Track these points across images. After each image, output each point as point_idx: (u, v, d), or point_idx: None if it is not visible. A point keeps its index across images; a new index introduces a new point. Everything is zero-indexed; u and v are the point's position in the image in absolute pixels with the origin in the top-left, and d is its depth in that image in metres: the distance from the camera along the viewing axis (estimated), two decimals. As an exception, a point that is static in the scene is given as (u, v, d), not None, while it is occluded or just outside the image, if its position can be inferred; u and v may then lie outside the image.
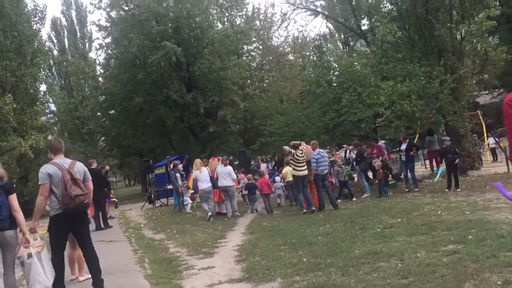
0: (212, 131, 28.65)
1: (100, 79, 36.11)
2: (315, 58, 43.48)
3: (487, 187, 11.47)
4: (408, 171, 13.64)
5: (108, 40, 32.00)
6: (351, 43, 56.93)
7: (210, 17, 29.21)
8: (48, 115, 36.65)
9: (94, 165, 13.77)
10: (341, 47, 51.57)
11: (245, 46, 34.02)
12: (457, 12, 16.00)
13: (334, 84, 16.09)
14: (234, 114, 31.40)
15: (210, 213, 13.17)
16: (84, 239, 5.87)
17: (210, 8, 29.75)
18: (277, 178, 15.52)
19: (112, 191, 19.46)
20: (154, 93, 29.41)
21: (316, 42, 45.81)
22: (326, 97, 15.52)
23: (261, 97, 30.47)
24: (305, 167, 11.88)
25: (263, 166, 20.07)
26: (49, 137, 23.96)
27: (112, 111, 34.95)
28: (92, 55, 48.58)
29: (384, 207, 10.86)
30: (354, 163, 14.68)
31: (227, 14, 32.96)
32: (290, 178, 14.30)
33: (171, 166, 17.65)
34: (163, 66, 29.76)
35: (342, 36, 55.79)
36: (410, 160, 13.57)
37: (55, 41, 52.55)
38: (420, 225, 7.75)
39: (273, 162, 20.64)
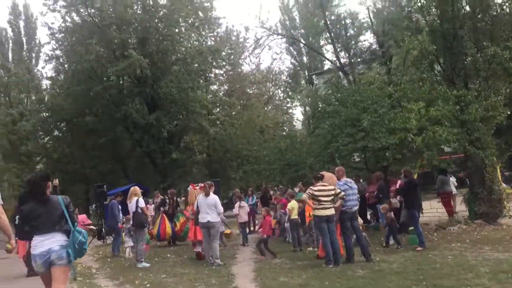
0: (175, 159, 25.02)
1: (45, 93, 31.80)
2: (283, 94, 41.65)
3: None
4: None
5: (59, 52, 28.10)
6: (315, 82, 55.95)
7: (182, 31, 26.00)
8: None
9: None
10: (304, 85, 50.30)
11: (214, 70, 31.07)
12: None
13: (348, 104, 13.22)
14: (200, 141, 28.02)
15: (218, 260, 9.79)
16: None
17: (181, 22, 26.60)
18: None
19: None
20: (111, 110, 25.56)
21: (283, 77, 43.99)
22: (339, 118, 12.61)
23: (232, 124, 27.27)
24: (331, 204, 8.78)
25: (236, 206, 16.27)
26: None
27: (56, 133, 30.59)
28: (39, 68, 43.63)
29: (432, 261, 7.99)
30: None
31: (197, 33, 30.00)
32: (296, 216, 11.26)
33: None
34: (125, 80, 26.16)
35: (307, 73, 54.70)
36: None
37: (-3, 53, 47.65)
38: None
39: (254, 197, 17.37)
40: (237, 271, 8.88)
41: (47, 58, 28.67)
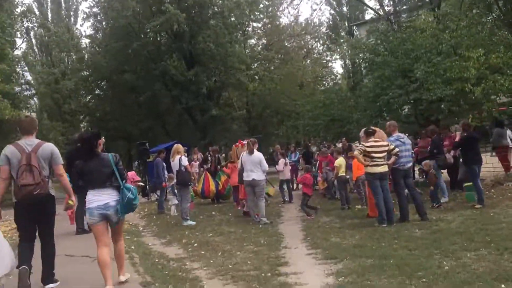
0: (215, 115, 24.76)
1: (85, 52, 31.84)
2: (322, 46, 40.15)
3: None
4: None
5: (96, 9, 27.82)
6: (356, 33, 53.74)
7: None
8: (23, 86, 31.80)
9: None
10: (345, 36, 48.54)
11: (251, 23, 30.15)
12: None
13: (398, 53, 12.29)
14: (240, 97, 27.56)
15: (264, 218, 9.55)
16: (42, 233, 5.38)
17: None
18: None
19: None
20: (149, 67, 25.35)
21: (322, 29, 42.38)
22: (388, 69, 11.80)
23: (271, 78, 26.56)
24: (384, 161, 8.23)
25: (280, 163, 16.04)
26: (24, 114, 19.59)
27: (97, 91, 30.83)
28: (78, 27, 43.80)
29: (495, 220, 7.46)
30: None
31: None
32: (344, 173, 10.81)
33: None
34: (162, 36, 25.76)
35: (347, 24, 52.53)
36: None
37: (37, 13, 47.90)
38: None
39: (297, 153, 16.92)
40: (284, 230, 8.59)
41: (85, 15, 28.65)
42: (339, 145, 16.66)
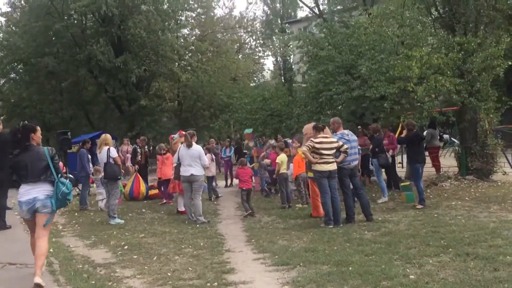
0: (144, 106, 23.45)
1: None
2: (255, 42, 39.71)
3: None
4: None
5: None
6: (287, 31, 54.10)
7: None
8: None
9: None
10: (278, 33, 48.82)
11: (185, 12, 28.95)
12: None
13: (342, 48, 11.98)
14: (171, 89, 26.36)
15: (201, 217, 8.82)
16: None
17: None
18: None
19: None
20: (73, 51, 23.47)
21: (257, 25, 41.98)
22: (332, 64, 11.46)
23: (205, 70, 25.63)
24: (333, 158, 7.79)
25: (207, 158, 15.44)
26: None
27: (12, 75, 28.18)
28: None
29: (442, 221, 7.31)
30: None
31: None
32: (285, 170, 10.34)
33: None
34: (89, 19, 23.94)
35: (279, 21, 52.72)
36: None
37: None
38: None
39: (232, 148, 16.28)
40: (225, 231, 7.92)
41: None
42: (272, 141, 16.30)
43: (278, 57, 53.56)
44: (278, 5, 53.51)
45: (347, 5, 28.72)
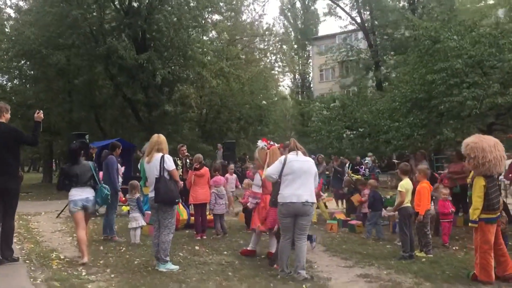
0: (167, 112, 20.28)
1: (7, 22, 25.96)
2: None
3: None
4: None
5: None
6: (308, 48, 51.67)
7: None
8: None
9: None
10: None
11: (211, 16, 26.02)
12: None
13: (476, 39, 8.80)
14: (197, 95, 23.19)
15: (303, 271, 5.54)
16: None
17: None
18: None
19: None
20: (89, 45, 20.38)
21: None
22: (462, 60, 8.29)
23: (238, 77, 22.48)
24: None
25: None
26: None
27: (17, 72, 25.08)
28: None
29: None
30: None
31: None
32: (409, 204, 7.17)
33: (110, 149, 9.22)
34: (110, 10, 20.96)
35: (299, 36, 50.30)
36: None
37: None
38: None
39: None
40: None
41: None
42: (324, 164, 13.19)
43: (296, 74, 51.20)
44: (299, 22, 51.35)
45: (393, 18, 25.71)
